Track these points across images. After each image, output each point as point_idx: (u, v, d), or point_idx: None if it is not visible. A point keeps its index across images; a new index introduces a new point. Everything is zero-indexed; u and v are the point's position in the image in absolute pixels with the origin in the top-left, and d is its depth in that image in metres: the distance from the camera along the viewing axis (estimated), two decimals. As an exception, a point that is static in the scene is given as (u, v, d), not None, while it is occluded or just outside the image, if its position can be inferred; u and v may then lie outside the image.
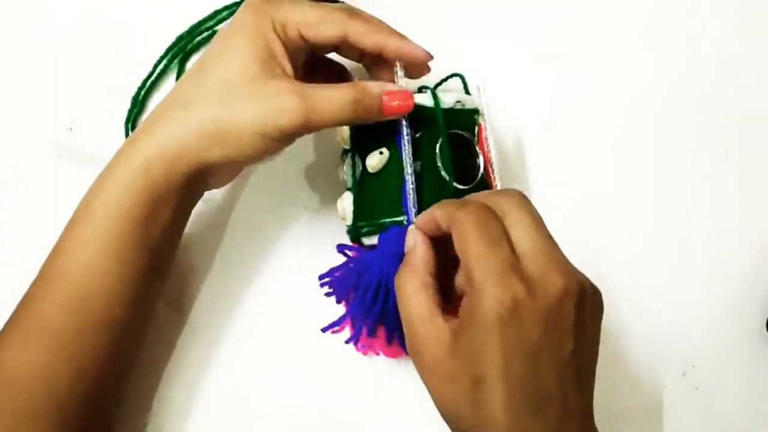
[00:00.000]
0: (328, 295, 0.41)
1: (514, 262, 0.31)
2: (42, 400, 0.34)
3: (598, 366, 0.34)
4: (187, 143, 0.36)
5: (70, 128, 0.47)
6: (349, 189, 0.41)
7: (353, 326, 0.40)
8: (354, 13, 0.39)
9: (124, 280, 0.36)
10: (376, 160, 0.39)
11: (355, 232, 0.40)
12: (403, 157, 0.38)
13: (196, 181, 0.37)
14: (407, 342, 0.34)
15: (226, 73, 0.36)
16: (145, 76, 0.47)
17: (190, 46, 0.48)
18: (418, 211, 0.38)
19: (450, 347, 0.32)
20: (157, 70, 0.47)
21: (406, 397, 0.45)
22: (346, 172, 0.41)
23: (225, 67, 0.36)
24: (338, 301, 0.41)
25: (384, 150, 0.39)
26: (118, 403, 0.39)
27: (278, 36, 0.37)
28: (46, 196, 0.47)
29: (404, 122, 0.38)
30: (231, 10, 0.48)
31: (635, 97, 0.48)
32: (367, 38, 0.38)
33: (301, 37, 0.38)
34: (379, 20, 0.40)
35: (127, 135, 0.46)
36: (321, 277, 0.41)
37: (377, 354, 0.41)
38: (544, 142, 0.48)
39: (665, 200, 0.48)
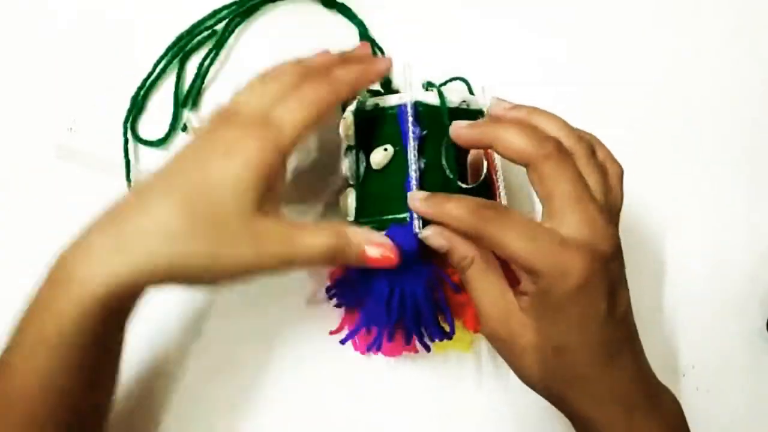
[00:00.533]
0: (337, 306, 0.41)
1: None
2: None
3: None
4: (154, 272, 0.31)
5: (70, 128, 0.47)
6: (351, 185, 0.41)
7: (370, 332, 0.40)
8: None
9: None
10: (380, 157, 0.39)
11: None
12: (408, 154, 0.38)
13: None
14: (483, 321, 0.36)
15: (221, 203, 0.32)
16: (142, 75, 0.47)
17: (189, 45, 0.48)
18: None
19: (525, 320, 0.35)
20: (157, 70, 0.47)
21: (407, 396, 0.45)
22: (349, 169, 0.41)
23: (218, 195, 0.32)
24: (350, 310, 0.41)
25: (389, 147, 0.39)
26: None
27: (282, 162, 0.34)
28: (45, 196, 0.47)
29: (410, 119, 0.38)
30: (231, 9, 0.48)
31: (638, 98, 0.48)
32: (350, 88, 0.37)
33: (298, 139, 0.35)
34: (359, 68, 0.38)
35: (125, 135, 0.46)
36: (329, 290, 0.41)
37: (376, 353, 0.41)
38: None
39: (666, 201, 0.48)
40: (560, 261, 0.33)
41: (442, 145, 0.39)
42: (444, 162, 0.39)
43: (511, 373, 0.37)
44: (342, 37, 0.48)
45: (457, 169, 0.39)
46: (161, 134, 0.47)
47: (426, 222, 0.37)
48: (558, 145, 0.34)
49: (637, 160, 0.48)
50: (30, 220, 0.46)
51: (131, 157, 0.47)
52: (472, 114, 0.41)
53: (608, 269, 0.34)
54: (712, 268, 0.47)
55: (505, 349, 0.36)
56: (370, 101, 0.41)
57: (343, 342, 0.41)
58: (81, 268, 0.31)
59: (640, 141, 0.48)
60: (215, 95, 0.48)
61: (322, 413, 0.45)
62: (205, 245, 0.31)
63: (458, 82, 0.44)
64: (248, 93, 0.36)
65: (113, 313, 0.31)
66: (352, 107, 0.41)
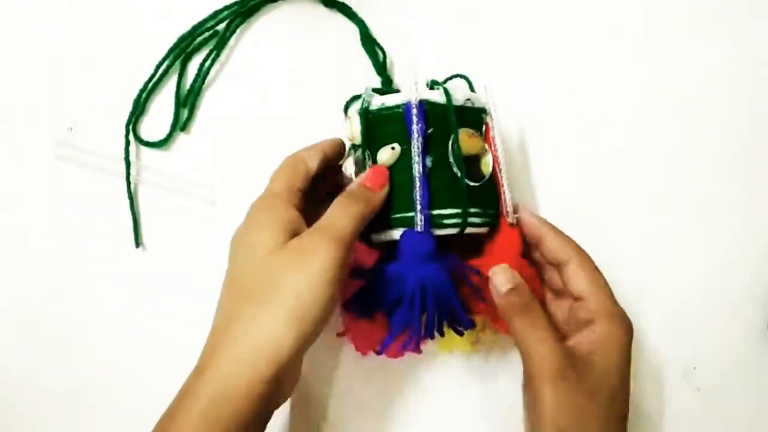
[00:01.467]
0: (356, 318, 0.41)
1: None
2: None
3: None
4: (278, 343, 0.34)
5: (70, 128, 0.47)
6: None
7: (396, 335, 0.39)
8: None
9: None
10: (387, 155, 0.39)
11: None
12: (414, 152, 0.38)
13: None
14: (540, 373, 0.37)
15: (298, 286, 0.35)
16: (144, 76, 0.47)
17: (191, 47, 0.48)
18: (429, 207, 0.38)
19: (581, 367, 0.37)
20: (159, 72, 0.47)
21: (407, 396, 0.45)
22: (355, 167, 0.41)
23: (297, 279, 0.35)
24: (368, 319, 0.41)
25: (396, 145, 0.39)
26: None
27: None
28: (46, 197, 0.47)
29: (415, 117, 0.38)
30: (231, 9, 0.48)
31: (640, 99, 0.48)
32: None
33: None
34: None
35: (127, 136, 0.46)
36: (346, 305, 0.41)
37: (379, 354, 0.41)
38: (548, 142, 0.47)
39: (667, 201, 0.48)
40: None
41: (450, 143, 0.39)
42: (452, 160, 0.39)
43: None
44: (343, 36, 0.48)
45: (464, 167, 0.39)
46: (161, 135, 0.47)
47: (431, 220, 0.38)
48: None
49: (640, 160, 0.48)
50: (30, 220, 0.47)
51: (132, 157, 0.47)
52: (475, 112, 0.41)
53: None
54: (713, 269, 0.47)
55: None
56: (376, 100, 0.40)
57: (380, 352, 0.40)
58: (228, 360, 0.34)
59: (643, 142, 0.48)
60: (216, 95, 0.48)
61: (323, 412, 0.45)
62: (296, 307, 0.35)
63: (459, 79, 0.44)
64: None
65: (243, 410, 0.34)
66: (357, 107, 0.41)
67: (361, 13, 0.48)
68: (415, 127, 0.38)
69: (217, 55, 0.48)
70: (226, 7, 0.48)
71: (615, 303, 0.39)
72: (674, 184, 0.48)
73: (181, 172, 0.47)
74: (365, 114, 0.40)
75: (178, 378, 0.44)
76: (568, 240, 0.41)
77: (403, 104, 0.39)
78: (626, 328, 0.39)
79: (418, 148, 0.38)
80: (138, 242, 0.47)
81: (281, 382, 0.35)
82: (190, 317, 0.45)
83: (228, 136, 0.48)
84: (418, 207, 0.38)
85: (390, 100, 0.40)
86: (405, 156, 0.39)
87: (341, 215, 0.37)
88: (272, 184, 0.39)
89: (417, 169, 0.38)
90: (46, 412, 0.46)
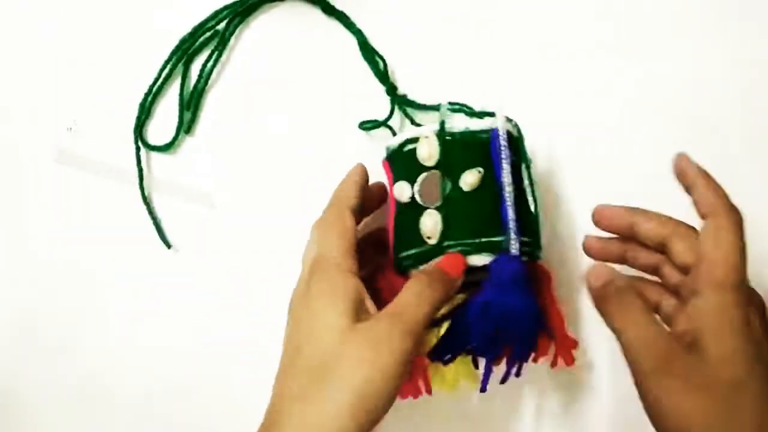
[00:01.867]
0: (446, 363, 0.39)
1: None
2: None
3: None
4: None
5: (70, 128, 0.48)
6: (431, 208, 0.39)
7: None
8: None
9: None
10: (474, 178, 0.38)
11: (438, 252, 0.38)
12: (503, 178, 0.38)
13: None
14: (640, 367, 0.33)
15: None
16: (143, 77, 0.48)
17: (192, 48, 0.48)
18: (517, 230, 0.37)
19: (688, 356, 0.32)
20: (163, 75, 0.48)
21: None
22: (414, 189, 0.39)
23: (369, 372, 0.33)
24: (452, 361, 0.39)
25: (481, 169, 0.38)
26: None
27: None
28: (46, 199, 0.48)
29: (504, 142, 0.38)
30: (231, 9, 0.48)
31: (640, 101, 0.47)
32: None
33: None
34: None
35: (136, 142, 0.48)
36: (433, 352, 0.39)
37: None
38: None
39: (666, 201, 0.47)
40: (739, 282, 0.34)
41: (524, 171, 0.40)
42: (529, 188, 0.39)
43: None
44: (341, 39, 0.48)
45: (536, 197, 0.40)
46: (166, 137, 0.48)
47: (524, 247, 0.37)
48: None
49: (637, 160, 0.47)
50: (30, 221, 0.48)
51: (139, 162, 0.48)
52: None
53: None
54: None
55: None
56: (459, 124, 0.39)
57: (483, 390, 0.38)
58: None
59: (639, 141, 0.47)
60: (219, 96, 0.49)
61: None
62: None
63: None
64: None
65: None
66: (434, 128, 0.40)
67: (361, 20, 0.47)
68: (504, 153, 0.38)
69: (219, 56, 0.48)
70: (226, 7, 0.48)
71: (732, 270, 0.33)
72: (674, 183, 0.46)
73: (184, 174, 0.48)
74: (443, 136, 0.39)
75: (179, 378, 0.47)
76: (663, 215, 0.37)
77: (490, 129, 0.39)
78: (739, 298, 0.32)
79: (506, 174, 0.38)
80: (168, 244, 0.48)
81: None
82: (190, 318, 0.47)
83: (230, 137, 0.48)
84: (512, 233, 0.37)
85: (475, 124, 0.39)
86: (487, 180, 0.38)
87: (416, 302, 0.35)
88: (326, 247, 0.37)
89: (505, 192, 0.38)
90: (46, 412, 0.47)
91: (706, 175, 0.35)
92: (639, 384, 0.33)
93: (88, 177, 0.48)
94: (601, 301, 0.35)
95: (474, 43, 0.48)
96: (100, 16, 0.49)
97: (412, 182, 0.39)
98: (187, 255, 0.48)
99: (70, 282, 0.48)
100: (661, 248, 0.37)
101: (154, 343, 0.47)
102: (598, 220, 0.39)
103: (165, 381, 0.47)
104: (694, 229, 0.36)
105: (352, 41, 0.48)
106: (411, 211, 0.39)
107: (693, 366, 0.32)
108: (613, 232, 0.39)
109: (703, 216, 0.34)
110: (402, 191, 0.39)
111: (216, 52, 0.48)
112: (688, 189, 0.36)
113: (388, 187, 0.41)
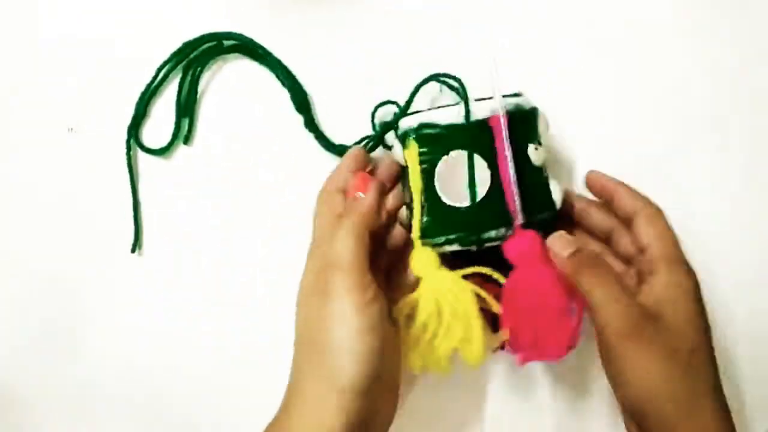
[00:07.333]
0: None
1: None
2: None
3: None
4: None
5: (70, 128, 0.48)
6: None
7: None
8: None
9: None
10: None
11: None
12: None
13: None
14: (611, 330, 0.35)
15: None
16: (143, 78, 0.47)
17: (194, 53, 0.48)
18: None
19: (655, 324, 0.35)
20: (161, 75, 0.47)
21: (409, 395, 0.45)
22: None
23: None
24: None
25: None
26: None
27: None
28: (46, 199, 0.48)
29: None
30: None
31: (643, 97, 0.48)
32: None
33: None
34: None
35: (129, 140, 0.47)
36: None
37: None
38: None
39: (668, 202, 0.48)
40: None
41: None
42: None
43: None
44: (345, 36, 0.48)
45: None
46: (162, 141, 0.47)
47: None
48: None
49: (637, 160, 0.48)
50: (30, 221, 0.48)
51: (132, 163, 0.47)
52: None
53: None
54: (713, 270, 0.47)
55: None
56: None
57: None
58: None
59: (645, 141, 0.47)
60: (216, 103, 0.48)
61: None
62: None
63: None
64: None
65: None
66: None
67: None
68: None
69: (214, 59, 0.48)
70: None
71: (678, 250, 0.37)
72: (676, 185, 0.47)
73: (181, 178, 0.48)
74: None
75: (178, 378, 0.47)
76: (639, 193, 0.40)
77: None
78: (689, 273, 0.37)
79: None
80: (136, 247, 0.47)
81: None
82: (189, 319, 0.47)
83: (227, 144, 0.48)
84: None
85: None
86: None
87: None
88: (344, 252, 0.37)
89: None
90: (47, 412, 0.47)
91: (623, 182, 0.40)
92: (607, 349, 0.35)
93: (88, 176, 0.48)
94: (576, 270, 0.37)
95: (470, 40, 0.48)
96: (100, 17, 0.49)
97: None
98: (188, 256, 0.47)
99: (70, 282, 0.47)
100: (628, 221, 0.40)
101: (154, 343, 0.47)
102: (590, 185, 0.42)
103: (165, 381, 0.47)
104: (657, 210, 0.39)
105: (354, 40, 0.48)
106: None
107: (659, 333, 0.35)
108: (599, 197, 0.42)
109: (633, 214, 0.39)
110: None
111: (214, 60, 0.48)
112: (610, 198, 0.40)
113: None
